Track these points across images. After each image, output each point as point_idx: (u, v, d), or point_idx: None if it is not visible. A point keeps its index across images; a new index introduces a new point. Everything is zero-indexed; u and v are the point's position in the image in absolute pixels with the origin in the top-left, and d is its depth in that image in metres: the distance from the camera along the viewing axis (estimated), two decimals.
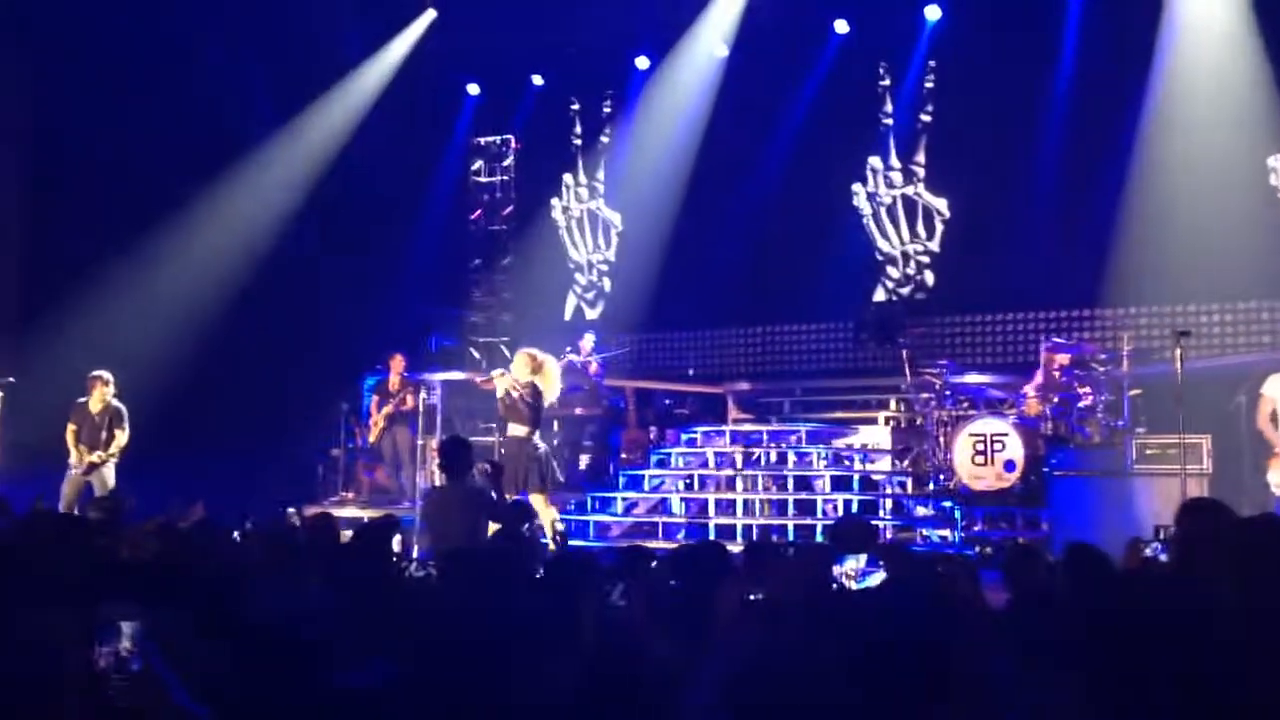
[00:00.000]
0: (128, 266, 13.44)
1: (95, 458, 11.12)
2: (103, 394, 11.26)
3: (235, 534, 7.17)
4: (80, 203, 13.26)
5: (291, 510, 11.34)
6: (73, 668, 2.78)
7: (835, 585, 4.65)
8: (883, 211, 14.76)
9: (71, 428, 11.23)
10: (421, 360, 14.57)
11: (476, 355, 17.14)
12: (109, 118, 13.31)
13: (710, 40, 15.09)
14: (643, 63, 15.79)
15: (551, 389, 9.88)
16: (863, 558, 5.45)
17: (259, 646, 3.66)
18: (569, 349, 13.61)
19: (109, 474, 11.20)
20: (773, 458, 11.81)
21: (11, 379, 11.24)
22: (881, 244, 14.79)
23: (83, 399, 11.33)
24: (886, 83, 14.67)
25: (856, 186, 14.82)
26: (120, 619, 2.86)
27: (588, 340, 13.85)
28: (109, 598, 3.06)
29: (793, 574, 3.55)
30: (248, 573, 4.40)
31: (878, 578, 4.95)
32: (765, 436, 12.15)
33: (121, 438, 11.26)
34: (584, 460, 13.84)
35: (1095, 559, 4.23)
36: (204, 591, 4.06)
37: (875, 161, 14.77)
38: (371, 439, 13.40)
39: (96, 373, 11.37)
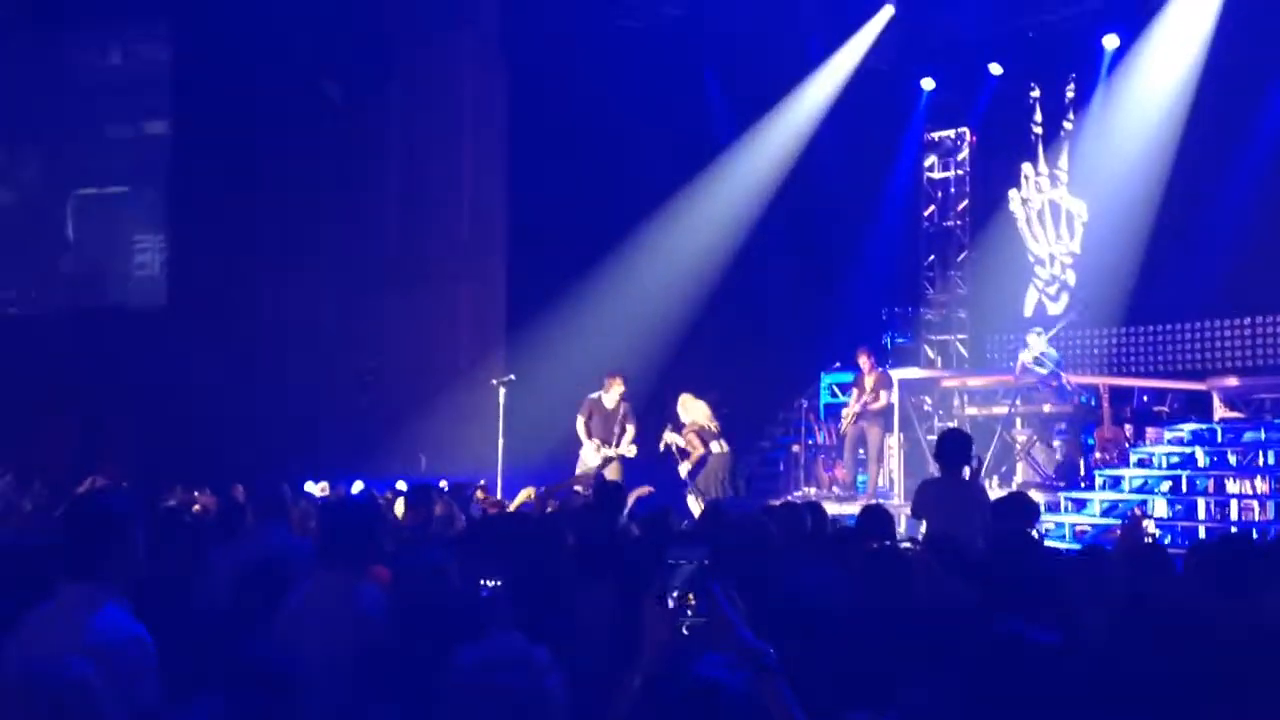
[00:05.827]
0: (600, 277, 14.34)
1: (611, 451, 11.59)
2: (618, 391, 11.74)
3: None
4: (556, 220, 14.23)
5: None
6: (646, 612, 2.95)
7: None
8: None
9: (582, 418, 11.75)
10: (880, 359, 14.53)
11: (931, 353, 16.90)
12: (578, 135, 14.24)
13: (1192, 10, 14.00)
14: (1111, 41, 14.94)
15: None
16: None
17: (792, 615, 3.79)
18: (1023, 349, 13.10)
19: (618, 467, 11.51)
20: (1271, 458, 10.77)
21: (513, 376, 12.20)
22: None
23: (596, 394, 11.85)
24: None
25: None
26: (686, 561, 3.00)
27: (1034, 338, 13.14)
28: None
29: None
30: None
31: None
32: (1264, 434, 11.10)
33: (631, 432, 11.65)
34: (1051, 458, 13.23)
35: None
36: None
37: None
38: (844, 428, 13.34)
39: (615, 371, 11.89)
